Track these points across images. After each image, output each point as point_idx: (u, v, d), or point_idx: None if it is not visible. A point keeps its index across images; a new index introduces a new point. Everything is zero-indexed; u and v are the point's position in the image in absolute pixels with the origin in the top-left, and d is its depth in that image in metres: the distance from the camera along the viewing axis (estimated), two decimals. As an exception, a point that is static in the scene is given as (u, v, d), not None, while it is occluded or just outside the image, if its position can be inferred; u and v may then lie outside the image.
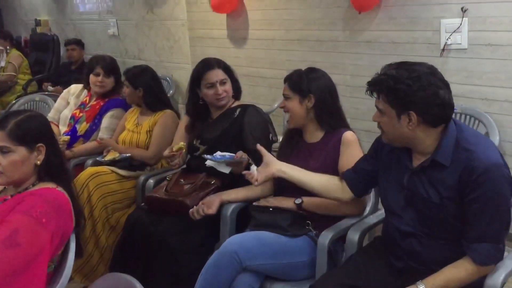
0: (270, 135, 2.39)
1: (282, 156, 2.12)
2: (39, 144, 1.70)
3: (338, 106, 2.11)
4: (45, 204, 1.62)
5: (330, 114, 2.05)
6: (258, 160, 2.18)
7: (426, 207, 1.57)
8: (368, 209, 2.02)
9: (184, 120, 2.61)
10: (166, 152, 2.39)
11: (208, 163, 2.23)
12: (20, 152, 1.67)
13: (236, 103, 2.49)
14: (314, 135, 2.09)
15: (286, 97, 2.08)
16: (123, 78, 3.00)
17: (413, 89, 1.49)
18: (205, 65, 2.42)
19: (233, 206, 2.17)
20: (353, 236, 1.84)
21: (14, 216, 1.59)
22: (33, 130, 1.71)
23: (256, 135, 2.34)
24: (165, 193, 2.32)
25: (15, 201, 1.66)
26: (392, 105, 1.54)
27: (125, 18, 5.09)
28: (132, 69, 2.94)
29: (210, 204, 2.16)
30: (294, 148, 2.12)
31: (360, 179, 1.84)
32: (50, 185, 1.72)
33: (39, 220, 1.58)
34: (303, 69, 2.13)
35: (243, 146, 2.31)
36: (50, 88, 5.09)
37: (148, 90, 2.87)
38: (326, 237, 1.82)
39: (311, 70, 2.10)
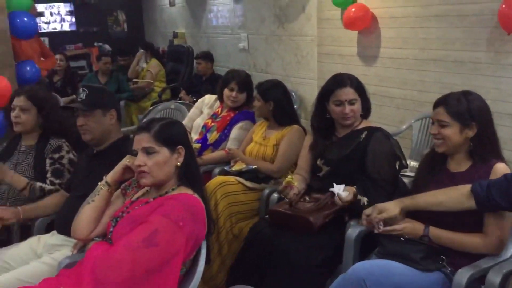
0: (397, 163, 2.28)
1: (421, 182, 2.01)
2: (179, 147, 1.82)
3: (495, 135, 1.93)
4: (183, 209, 1.71)
5: (486, 144, 1.89)
6: (370, 192, 2.16)
7: None
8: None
9: (308, 139, 2.60)
10: (280, 187, 2.41)
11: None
12: (163, 153, 1.79)
13: (364, 124, 2.42)
14: (461, 164, 1.94)
15: (442, 124, 1.92)
16: (255, 92, 3.07)
17: None
18: (338, 81, 2.38)
19: (359, 229, 2.11)
20: (494, 278, 1.68)
21: (154, 217, 1.69)
22: (175, 133, 1.84)
23: (379, 164, 2.26)
24: (289, 208, 2.32)
25: (156, 203, 1.77)
26: None
27: (256, 33, 5.26)
28: (264, 83, 3.01)
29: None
30: (435, 175, 1.99)
31: (492, 199, 1.69)
32: (188, 191, 1.81)
33: (177, 223, 1.66)
34: (441, 90, 2.00)
35: (364, 173, 2.25)
36: (184, 96, 5.44)
37: (278, 104, 2.92)
38: (463, 275, 1.68)
39: (469, 94, 1.94)
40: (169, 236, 1.65)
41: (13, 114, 2.57)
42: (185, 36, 6.83)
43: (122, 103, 5.59)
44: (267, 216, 2.49)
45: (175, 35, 6.93)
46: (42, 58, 4.51)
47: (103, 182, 1.95)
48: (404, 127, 3.47)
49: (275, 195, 2.64)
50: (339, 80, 2.39)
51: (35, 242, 2.25)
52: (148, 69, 6.07)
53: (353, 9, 3.71)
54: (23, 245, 2.25)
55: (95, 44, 7.71)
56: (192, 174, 1.86)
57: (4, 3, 3.33)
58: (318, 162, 2.43)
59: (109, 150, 2.28)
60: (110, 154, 2.24)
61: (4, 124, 2.89)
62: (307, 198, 2.37)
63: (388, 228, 1.93)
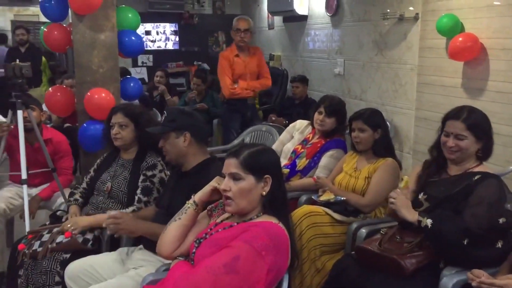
0: (502, 219, 2.01)
1: None
2: (266, 176, 1.78)
3: None
4: (266, 237, 1.67)
5: None
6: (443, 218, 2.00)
7: None
8: None
9: (416, 170, 2.43)
10: (391, 193, 2.26)
11: None
12: (249, 180, 1.77)
13: (481, 167, 2.20)
14: None
15: None
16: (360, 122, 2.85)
17: None
18: (454, 112, 2.22)
19: (456, 278, 1.93)
20: None
21: (237, 243, 1.67)
22: (263, 162, 1.81)
23: (479, 209, 2.02)
24: (378, 247, 2.18)
25: (240, 229, 1.74)
26: None
27: (353, 59, 5.16)
28: (366, 111, 2.88)
29: None
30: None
31: None
32: (273, 220, 1.77)
33: (259, 252, 1.63)
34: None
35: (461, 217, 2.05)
36: (273, 118, 5.45)
37: (385, 132, 2.82)
38: None
39: None
40: (250, 265, 1.62)
41: (113, 131, 2.70)
42: (280, 58, 6.88)
43: (215, 122, 5.72)
44: (353, 252, 2.37)
45: (271, 58, 7.00)
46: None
47: (191, 201, 1.96)
48: (511, 167, 3.18)
49: (363, 230, 2.51)
50: (456, 112, 2.22)
51: (123, 254, 2.33)
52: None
53: (461, 39, 3.49)
54: (112, 255, 2.33)
55: (195, 63, 8.02)
56: (277, 204, 1.81)
57: (115, 22, 3.54)
58: (420, 197, 2.26)
59: (195, 171, 2.30)
60: (195, 175, 2.26)
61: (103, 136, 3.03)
62: (398, 237, 2.21)
63: (487, 281, 1.74)
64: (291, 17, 6.27)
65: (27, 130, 3.02)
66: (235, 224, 1.81)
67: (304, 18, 6.04)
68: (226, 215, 1.93)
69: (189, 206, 1.96)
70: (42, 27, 3.70)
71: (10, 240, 3.47)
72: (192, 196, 1.97)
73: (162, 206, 2.39)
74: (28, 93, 3.28)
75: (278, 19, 6.88)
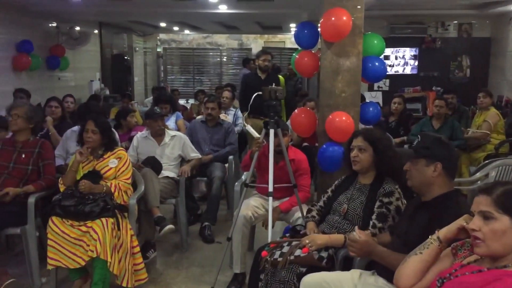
0: None
1: None
2: None
3: None
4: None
5: None
6: None
7: None
8: None
9: None
10: None
11: None
12: (503, 221, 1.61)
13: None
14: None
15: None
16: None
17: None
18: None
19: None
20: None
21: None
22: None
23: None
24: None
25: (492, 276, 1.59)
26: None
27: None
28: None
29: None
30: None
31: None
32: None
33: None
34: None
35: None
36: None
37: None
38: None
39: None
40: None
41: (352, 153, 2.78)
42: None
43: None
44: None
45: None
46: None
47: (434, 236, 1.88)
48: None
49: None
50: None
51: (356, 276, 2.35)
52: (486, 119, 5.63)
53: None
54: (345, 275, 2.38)
55: (434, 88, 7.69)
56: None
57: (361, 49, 3.63)
58: None
59: (435, 202, 2.18)
60: (436, 206, 2.15)
61: (343, 159, 3.12)
62: None
63: None
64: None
65: (277, 152, 3.32)
66: (485, 269, 1.65)
67: None
68: (473, 257, 1.78)
69: (431, 242, 1.87)
70: (294, 54, 4.03)
71: (250, 244, 3.85)
72: (436, 231, 1.88)
73: (398, 234, 2.34)
74: (281, 114, 3.60)
75: (538, 41, 6.11)
